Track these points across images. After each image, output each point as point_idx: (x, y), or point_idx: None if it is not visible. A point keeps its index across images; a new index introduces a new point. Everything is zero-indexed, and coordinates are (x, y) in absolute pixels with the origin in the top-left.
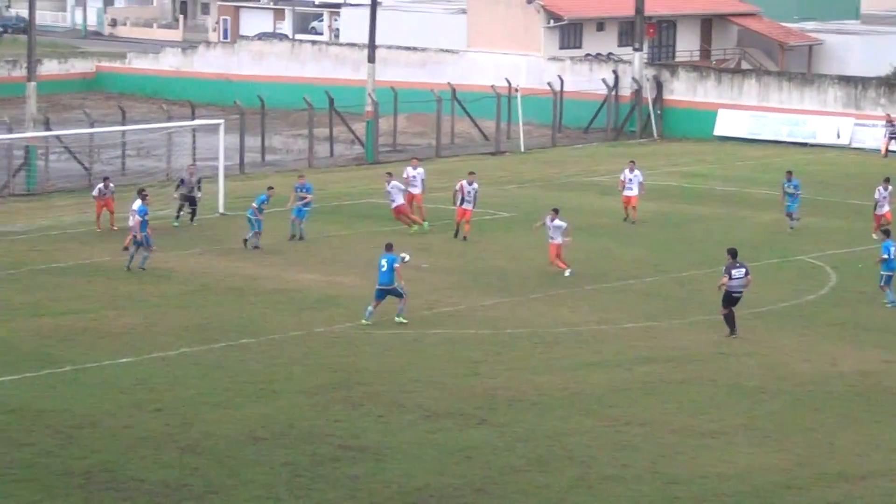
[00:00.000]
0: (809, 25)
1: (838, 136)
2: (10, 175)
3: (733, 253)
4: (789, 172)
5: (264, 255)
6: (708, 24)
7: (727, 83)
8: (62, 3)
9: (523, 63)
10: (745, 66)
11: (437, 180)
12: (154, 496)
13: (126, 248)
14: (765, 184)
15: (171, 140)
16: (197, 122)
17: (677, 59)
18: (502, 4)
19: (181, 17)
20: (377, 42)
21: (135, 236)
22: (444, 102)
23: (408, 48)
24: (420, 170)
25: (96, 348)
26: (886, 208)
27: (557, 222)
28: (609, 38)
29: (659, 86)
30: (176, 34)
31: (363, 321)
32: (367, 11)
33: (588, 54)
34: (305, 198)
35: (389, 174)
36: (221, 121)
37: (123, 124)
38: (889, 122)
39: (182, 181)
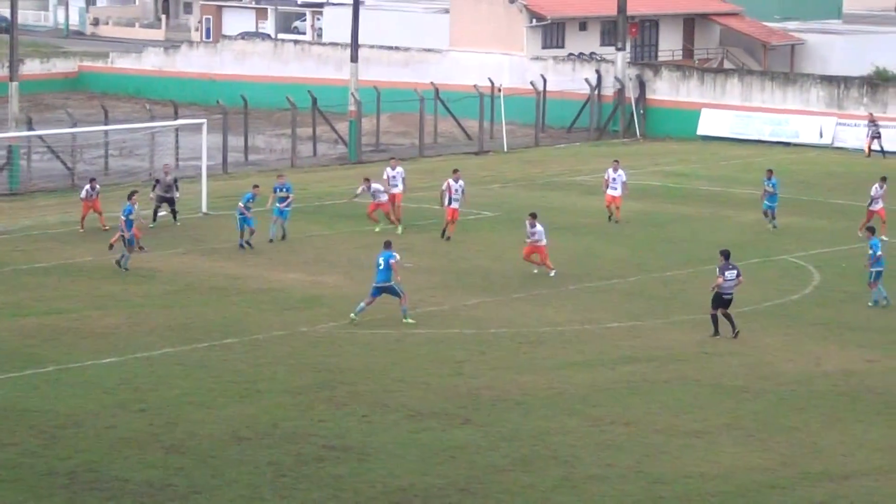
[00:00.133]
0: (791, 25)
1: (821, 136)
2: None
3: (726, 254)
4: (769, 171)
5: (247, 254)
6: (690, 24)
7: (710, 83)
8: (44, 3)
9: (506, 62)
10: (727, 65)
11: (420, 180)
12: (138, 496)
13: (111, 247)
14: (748, 183)
15: (154, 140)
16: (180, 121)
17: (660, 59)
18: (485, 4)
19: (163, 16)
20: (360, 41)
21: (122, 235)
22: (427, 102)
23: (391, 48)
24: (399, 169)
25: (80, 348)
26: (880, 205)
27: (538, 227)
28: (592, 37)
29: (642, 85)
30: (158, 34)
31: (352, 315)
32: (349, 11)
33: (571, 54)
34: (288, 197)
35: (367, 180)
36: (204, 120)
37: (106, 124)
38: (872, 121)
39: (157, 181)
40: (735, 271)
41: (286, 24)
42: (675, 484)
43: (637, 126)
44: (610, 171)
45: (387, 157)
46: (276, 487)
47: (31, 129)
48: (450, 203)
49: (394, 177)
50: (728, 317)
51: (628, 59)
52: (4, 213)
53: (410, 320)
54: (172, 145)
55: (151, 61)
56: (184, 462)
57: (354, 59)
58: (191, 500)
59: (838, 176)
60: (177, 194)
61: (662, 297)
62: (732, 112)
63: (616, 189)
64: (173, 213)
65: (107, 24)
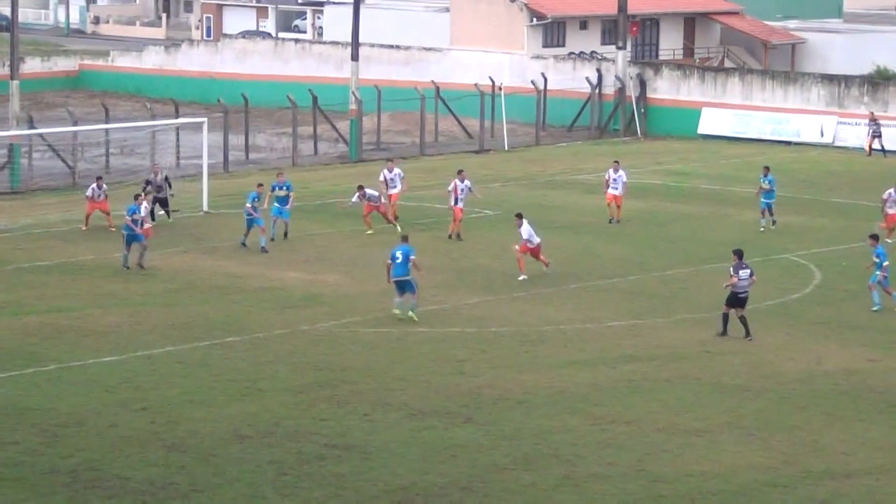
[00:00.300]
0: (792, 24)
1: (822, 135)
2: None
3: (739, 254)
4: (766, 168)
5: (248, 253)
6: (691, 23)
7: (711, 81)
8: (45, 1)
9: (507, 61)
10: (728, 64)
11: (421, 179)
12: (139, 494)
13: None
14: (748, 182)
15: (155, 138)
16: (181, 120)
17: (661, 58)
18: (485, 2)
19: (164, 14)
20: (361, 40)
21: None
22: (428, 101)
23: (391, 46)
24: (397, 170)
25: (81, 347)
26: (894, 210)
27: (526, 227)
28: (592, 36)
29: (642, 84)
30: (159, 32)
31: (395, 311)
32: (350, 9)
33: (571, 53)
34: (288, 195)
35: (361, 187)
36: (205, 119)
37: (107, 122)
38: (872, 120)
39: (148, 182)
40: (748, 270)
41: (287, 22)
42: (676, 482)
43: (638, 125)
44: (610, 171)
45: (387, 156)
46: (278, 486)
47: (32, 127)
48: (456, 203)
49: (392, 178)
50: (743, 320)
51: (629, 58)
52: (6, 211)
53: (415, 317)
54: (173, 144)
55: (152, 60)
56: (185, 460)
57: (355, 57)
58: (192, 499)
59: (839, 175)
60: (170, 192)
61: (663, 296)
62: (733, 111)
63: (617, 189)
64: (167, 212)
65: (107, 22)
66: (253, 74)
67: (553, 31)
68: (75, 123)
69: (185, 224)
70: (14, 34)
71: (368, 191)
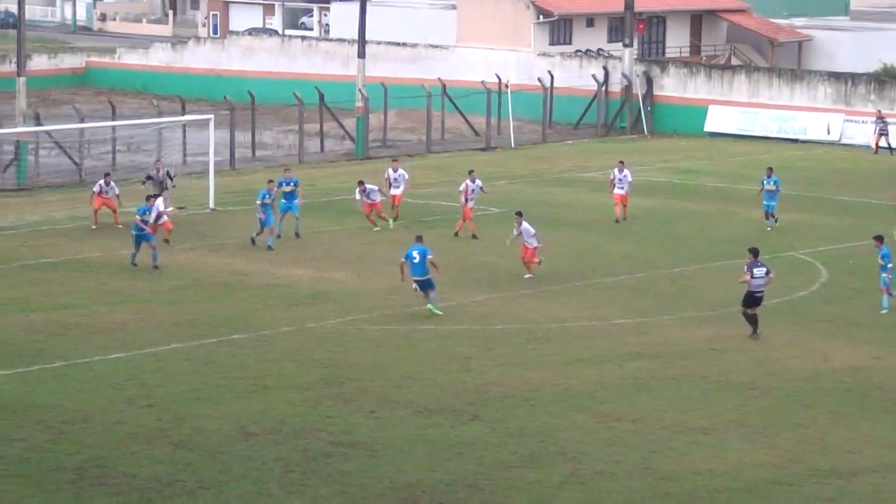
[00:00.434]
0: (799, 21)
1: (828, 133)
2: (1, 170)
3: (755, 252)
4: (770, 169)
5: (255, 250)
6: (698, 20)
7: (717, 79)
8: None
9: (513, 59)
10: (735, 62)
11: (427, 176)
12: (145, 491)
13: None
14: (755, 180)
15: (162, 135)
16: (187, 117)
17: (667, 55)
18: (492, 0)
19: (170, 12)
20: (367, 38)
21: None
22: (434, 98)
23: (398, 44)
24: (401, 171)
25: (87, 343)
26: None
27: (525, 226)
28: (599, 33)
29: (649, 82)
30: (165, 29)
31: (431, 309)
32: (356, 7)
33: (578, 50)
34: (294, 191)
35: (361, 183)
36: (211, 116)
37: (113, 120)
38: (879, 118)
39: (149, 177)
40: (764, 269)
41: (293, 20)
42: (682, 480)
43: (644, 122)
44: (615, 171)
45: (394, 154)
46: (284, 483)
47: (38, 124)
48: (466, 202)
49: (395, 178)
50: (754, 317)
51: (635, 56)
52: (12, 208)
53: (438, 311)
54: (180, 141)
55: (159, 57)
56: (191, 458)
57: (362, 55)
58: (198, 496)
59: (845, 173)
60: (171, 184)
61: (669, 294)
62: (740, 109)
63: (623, 188)
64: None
65: (114, 19)
66: (259, 72)
67: (560, 29)
68: (82, 120)
69: (191, 221)
70: (21, 31)
71: (368, 186)
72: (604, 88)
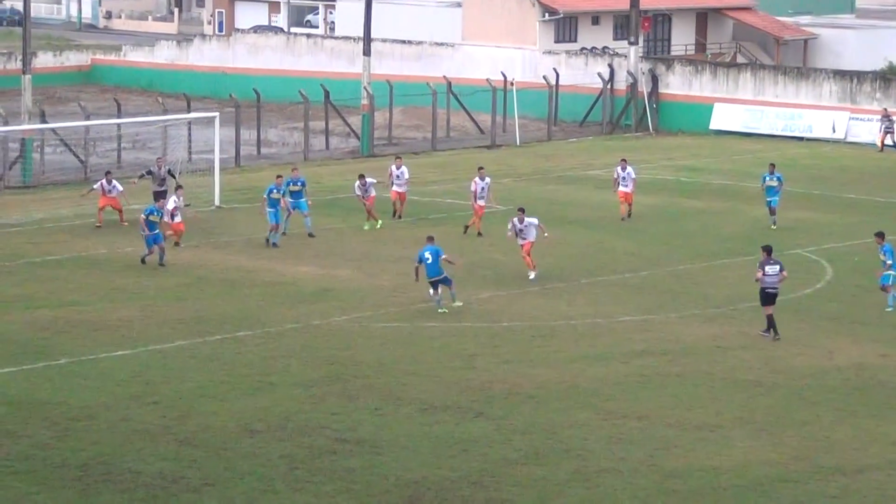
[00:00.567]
0: (804, 19)
1: (834, 131)
2: (6, 168)
3: (768, 249)
4: (772, 165)
5: (260, 248)
6: (703, 18)
7: (723, 77)
8: None
9: (518, 56)
10: (740, 59)
11: (432, 174)
12: (151, 488)
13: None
14: (760, 178)
15: (167, 133)
16: (192, 115)
17: (673, 53)
18: None
19: (176, 9)
20: (372, 35)
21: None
22: (440, 96)
23: (403, 41)
24: (403, 168)
25: (93, 341)
26: None
27: (528, 221)
28: (604, 31)
29: (654, 80)
30: (171, 27)
31: (438, 308)
32: (362, 4)
33: (583, 48)
34: (303, 191)
35: (362, 176)
36: (217, 114)
37: (119, 117)
38: (885, 116)
39: (150, 173)
40: (777, 266)
41: (299, 17)
42: (687, 477)
43: (650, 120)
44: (618, 169)
45: (399, 151)
46: (289, 480)
47: (44, 121)
48: (476, 200)
49: (398, 175)
50: (770, 318)
51: (641, 54)
52: (17, 205)
53: (459, 303)
54: (185, 138)
55: (164, 55)
56: (196, 454)
57: (367, 52)
58: (203, 493)
59: (851, 171)
60: (177, 183)
61: (675, 292)
62: (745, 106)
63: (627, 186)
64: None
65: (119, 17)
66: (265, 69)
67: (565, 27)
68: (87, 118)
69: (196, 219)
70: (26, 29)
71: (369, 179)
72: (609, 86)
